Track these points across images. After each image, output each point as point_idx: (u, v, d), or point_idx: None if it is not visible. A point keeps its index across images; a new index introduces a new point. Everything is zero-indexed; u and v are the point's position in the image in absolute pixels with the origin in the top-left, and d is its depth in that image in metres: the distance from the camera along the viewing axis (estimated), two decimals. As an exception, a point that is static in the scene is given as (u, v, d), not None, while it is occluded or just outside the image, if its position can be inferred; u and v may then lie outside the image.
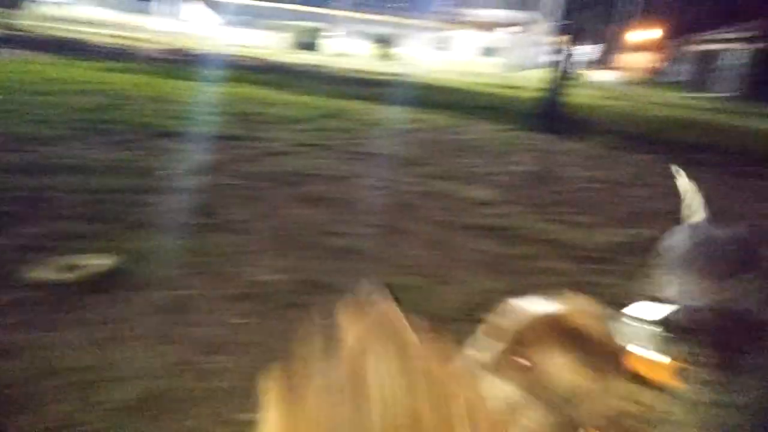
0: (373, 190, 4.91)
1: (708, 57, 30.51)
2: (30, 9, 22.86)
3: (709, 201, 1.54)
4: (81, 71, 9.86)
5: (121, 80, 9.33)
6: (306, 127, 7.34)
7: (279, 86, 11.44)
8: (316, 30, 28.71)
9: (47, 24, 19.89)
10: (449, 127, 9.15)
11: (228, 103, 8.52)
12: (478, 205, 4.78)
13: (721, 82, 25.56)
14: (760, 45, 26.55)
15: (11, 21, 17.13)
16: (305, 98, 10.06)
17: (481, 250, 3.73)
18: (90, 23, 23.34)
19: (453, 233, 3.99)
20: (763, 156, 9.55)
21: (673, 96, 24.44)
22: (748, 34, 27.09)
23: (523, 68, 23.71)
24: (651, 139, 10.23)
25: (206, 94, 9.01)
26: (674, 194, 5.10)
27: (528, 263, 3.58)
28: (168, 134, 5.86)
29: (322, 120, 8.09)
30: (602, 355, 0.93)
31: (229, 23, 30.49)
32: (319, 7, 34.81)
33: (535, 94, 12.44)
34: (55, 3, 28.58)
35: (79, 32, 18.89)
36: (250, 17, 38.17)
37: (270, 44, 29.68)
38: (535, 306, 0.96)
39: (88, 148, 5.05)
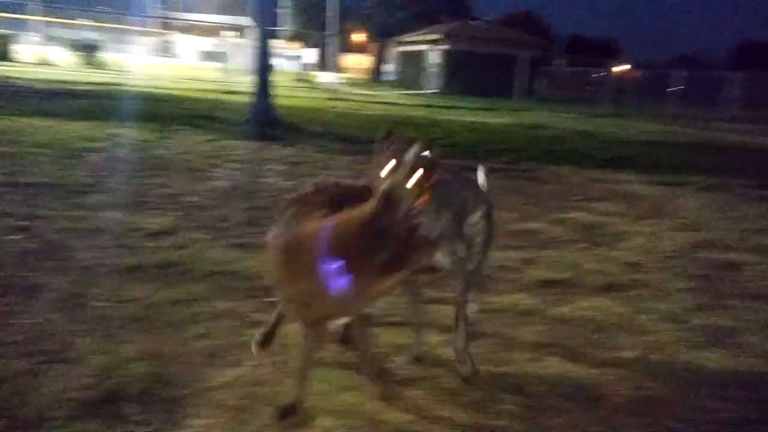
0: (11, 233, 3.91)
1: (414, 57, 33.32)
2: None
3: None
4: None
5: None
6: (-58, 157, 5.84)
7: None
8: (2, 37, 24.67)
9: None
10: (148, 141, 8.20)
11: None
12: (148, 237, 4.08)
13: (427, 79, 28.02)
14: (449, 46, 29.75)
15: None
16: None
17: (134, 299, 3.07)
18: None
19: (102, 281, 3.25)
20: (467, 147, 10.32)
21: (388, 94, 26.11)
22: (438, 36, 30.17)
23: (245, 72, 23.19)
24: (364, 139, 10.45)
25: None
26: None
27: (189, 308, 3.00)
28: None
29: (-28, 146, 6.57)
30: None
31: None
32: (6, 11, 30.10)
33: (251, 99, 11.99)
34: None
35: None
36: None
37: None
38: None
39: None
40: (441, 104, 21.53)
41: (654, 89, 31.40)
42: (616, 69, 35.52)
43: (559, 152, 10.55)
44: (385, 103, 20.70)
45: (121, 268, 3.44)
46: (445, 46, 29.81)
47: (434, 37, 30.66)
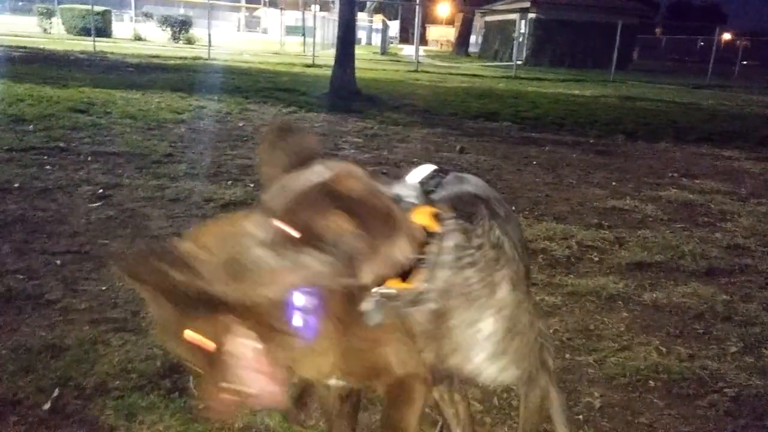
0: (91, 200, 3.99)
1: (500, 27, 32.30)
2: None
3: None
4: None
5: None
6: (37, 127, 6.08)
7: (34, 78, 9.77)
8: (101, 13, 25.83)
9: None
10: (230, 113, 8.30)
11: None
12: (221, 207, 4.06)
13: (513, 50, 27.10)
14: (537, 14, 28.54)
15: None
16: (56, 91, 8.59)
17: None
18: None
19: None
20: (552, 120, 9.84)
21: (472, 66, 25.47)
22: (526, 4, 28.98)
23: (329, 46, 23.29)
24: (445, 112, 10.20)
25: None
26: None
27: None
28: None
29: (65, 116, 6.82)
30: (374, 212, 1.03)
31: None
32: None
33: (332, 72, 11.93)
34: None
35: None
36: (22, 3, 33.74)
37: (47, 31, 26.33)
38: (302, 179, 1.05)
39: None
40: (527, 76, 20.77)
41: (764, 58, 28.99)
42: (721, 36, 33.12)
43: (656, 125, 9.86)
44: (469, 75, 20.18)
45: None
46: (534, 15, 28.67)
47: (522, 5, 29.53)
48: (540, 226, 4.13)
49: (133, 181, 4.54)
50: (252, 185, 4.66)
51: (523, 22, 27.25)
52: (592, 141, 8.18)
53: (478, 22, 41.52)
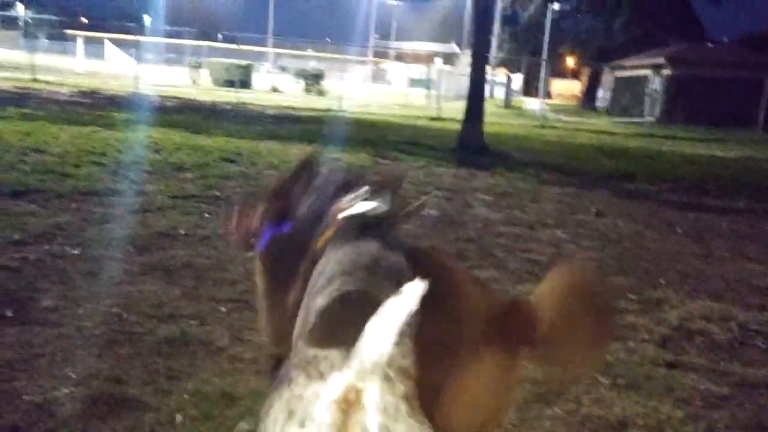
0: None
1: (631, 82, 31.37)
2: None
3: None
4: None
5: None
6: (195, 175, 6.62)
7: (187, 127, 10.70)
8: (244, 67, 28.00)
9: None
10: (364, 166, 8.60)
11: (113, 150, 7.73)
12: (366, 263, 4.18)
13: (644, 107, 26.19)
14: (672, 71, 27.40)
15: None
16: (207, 140, 9.35)
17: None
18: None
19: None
20: (694, 183, 9.36)
21: (600, 122, 24.83)
22: (661, 60, 27.96)
23: (451, 99, 23.68)
24: (576, 170, 9.99)
25: (93, 141, 8.18)
26: (590, 237, 4.53)
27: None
28: (18, 193, 5.06)
29: (218, 165, 7.39)
30: None
31: (152, 61, 29.42)
32: (245, 44, 34.23)
33: (461, 126, 12.12)
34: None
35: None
36: (174, 55, 37.28)
37: (195, 83, 28.83)
38: None
39: None
40: (661, 134, 19.91)
41: None
42: None
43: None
44: (598, 131, 19.68)
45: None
46: (668, 71, 27.61)
47: (655, 61, 28.58)
48: (694, 305, 3.88)
49: (282, 231, 4.79)
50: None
51: (656, 78, 26.28)
52: (742, 208, 7.64)
53: (606, 77, 40.60)
